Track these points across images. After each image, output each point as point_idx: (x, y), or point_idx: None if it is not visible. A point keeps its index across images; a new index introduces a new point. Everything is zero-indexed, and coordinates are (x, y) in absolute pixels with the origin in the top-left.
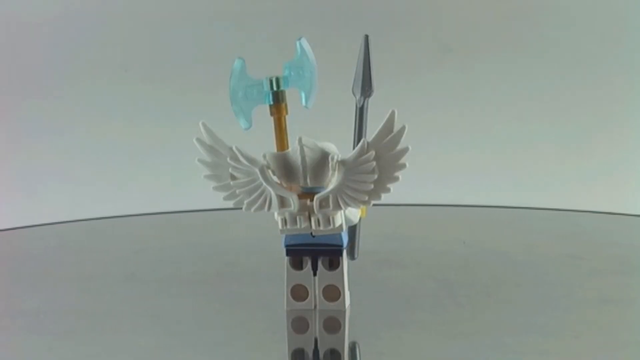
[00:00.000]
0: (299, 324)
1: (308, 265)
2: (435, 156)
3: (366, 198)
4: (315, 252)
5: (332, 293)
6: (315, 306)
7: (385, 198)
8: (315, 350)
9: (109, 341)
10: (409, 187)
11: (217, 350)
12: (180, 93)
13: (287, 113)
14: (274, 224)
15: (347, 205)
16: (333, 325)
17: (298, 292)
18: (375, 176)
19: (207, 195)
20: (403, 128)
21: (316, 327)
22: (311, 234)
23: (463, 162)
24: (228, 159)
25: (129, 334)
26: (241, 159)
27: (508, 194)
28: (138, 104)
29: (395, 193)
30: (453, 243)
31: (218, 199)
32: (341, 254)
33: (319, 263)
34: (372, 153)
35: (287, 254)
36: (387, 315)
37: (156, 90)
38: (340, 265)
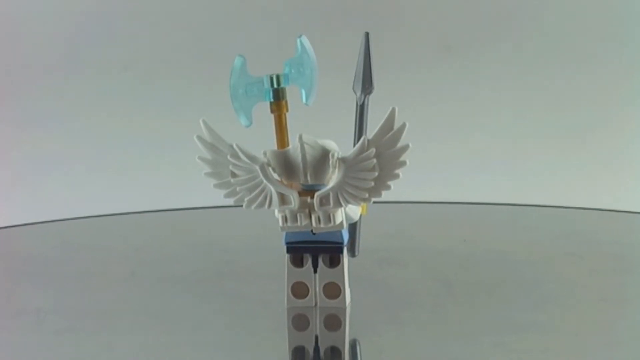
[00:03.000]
0: (299, 322)
1: (309, 263)
2: (436, 153)
3: (367, 195)
4: (315, 250)
5: (333, 290)
6: (315, 303)
7: (385, 195)
8: (316, 348)
9: (109, 340)
10: (410, 184)
11: (218, 348)
12: (180, 90)
13: (287, 110)
14: (274, 222)
15: (347, 202)
16: (333, 322)
17: (298, 290)
18: (376, 174)
19: (206, 192)
20: (403, 125)
21: (317, 325)
22: (312, 231)
23: (463, 160)
24: (228, 157)
25: (129, 332)
26: (242, 156)
27: (508, 192)
28: (138, 102)
29: (395, 190)
30: (453, 241)
31: (218, 197)
32: (342, 252)
33: (320, 260)
34: (373, 150)
35: (288, 252)
36: (386, 313)
37: (156, 88)
38: (341, 262)
